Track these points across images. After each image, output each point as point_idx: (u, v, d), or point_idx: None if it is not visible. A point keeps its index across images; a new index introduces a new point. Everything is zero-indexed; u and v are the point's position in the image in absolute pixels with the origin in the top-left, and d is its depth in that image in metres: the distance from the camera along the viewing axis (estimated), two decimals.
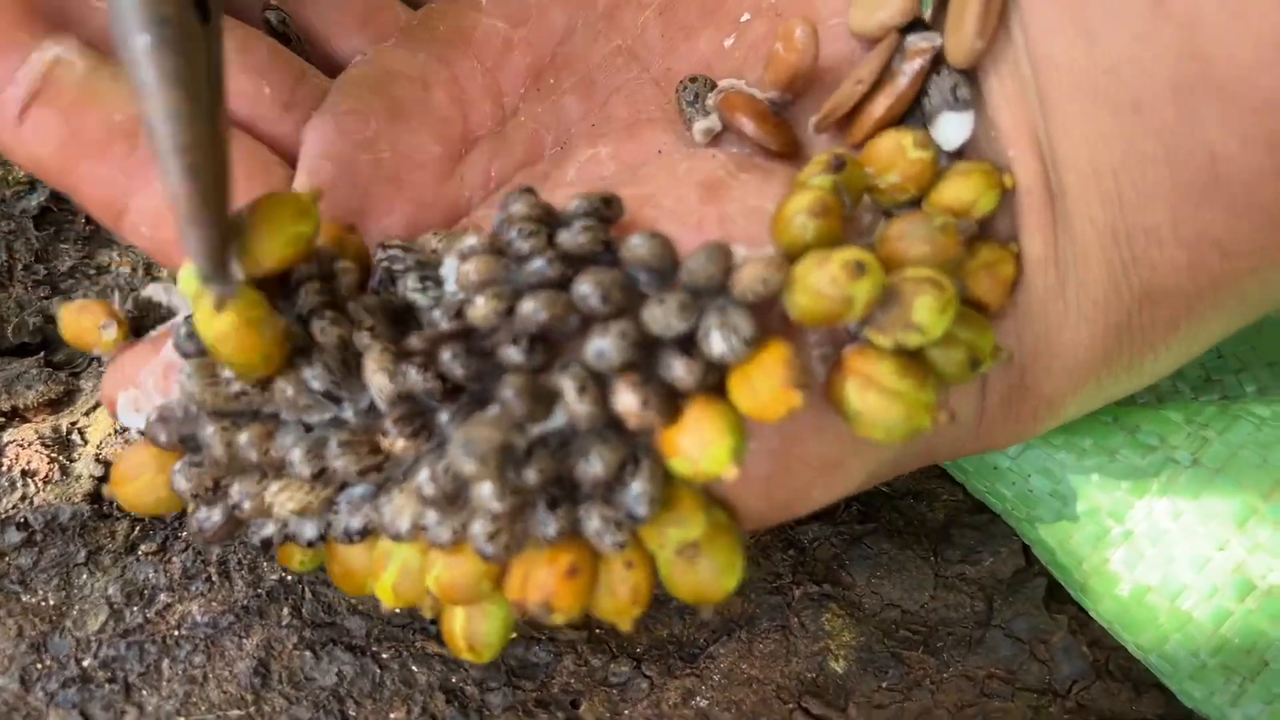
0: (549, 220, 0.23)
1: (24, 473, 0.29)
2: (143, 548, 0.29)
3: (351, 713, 0.27)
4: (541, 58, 0.32)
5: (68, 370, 0.33)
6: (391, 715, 0.27)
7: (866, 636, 0.29)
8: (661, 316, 0.21)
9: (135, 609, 0.28)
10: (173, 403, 0.23)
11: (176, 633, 0.28)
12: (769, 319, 0.22)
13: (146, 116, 0.22)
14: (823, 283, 0.21)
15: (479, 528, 0.21)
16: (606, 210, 0.24)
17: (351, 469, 0.22)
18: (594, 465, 0.21)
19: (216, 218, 0.22)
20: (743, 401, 0.21)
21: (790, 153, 0.26)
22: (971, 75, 0.24)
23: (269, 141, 0.30)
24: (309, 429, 0.23)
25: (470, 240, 0.23)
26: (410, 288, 0.24)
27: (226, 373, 0.23)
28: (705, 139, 0.27)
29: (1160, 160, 0.21)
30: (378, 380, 0.22)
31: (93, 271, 0.34)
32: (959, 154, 0.24)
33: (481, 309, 0.22)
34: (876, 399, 0.22)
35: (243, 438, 0.23)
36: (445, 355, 0.22)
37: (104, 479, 0.30)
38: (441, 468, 0.21)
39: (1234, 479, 0.29)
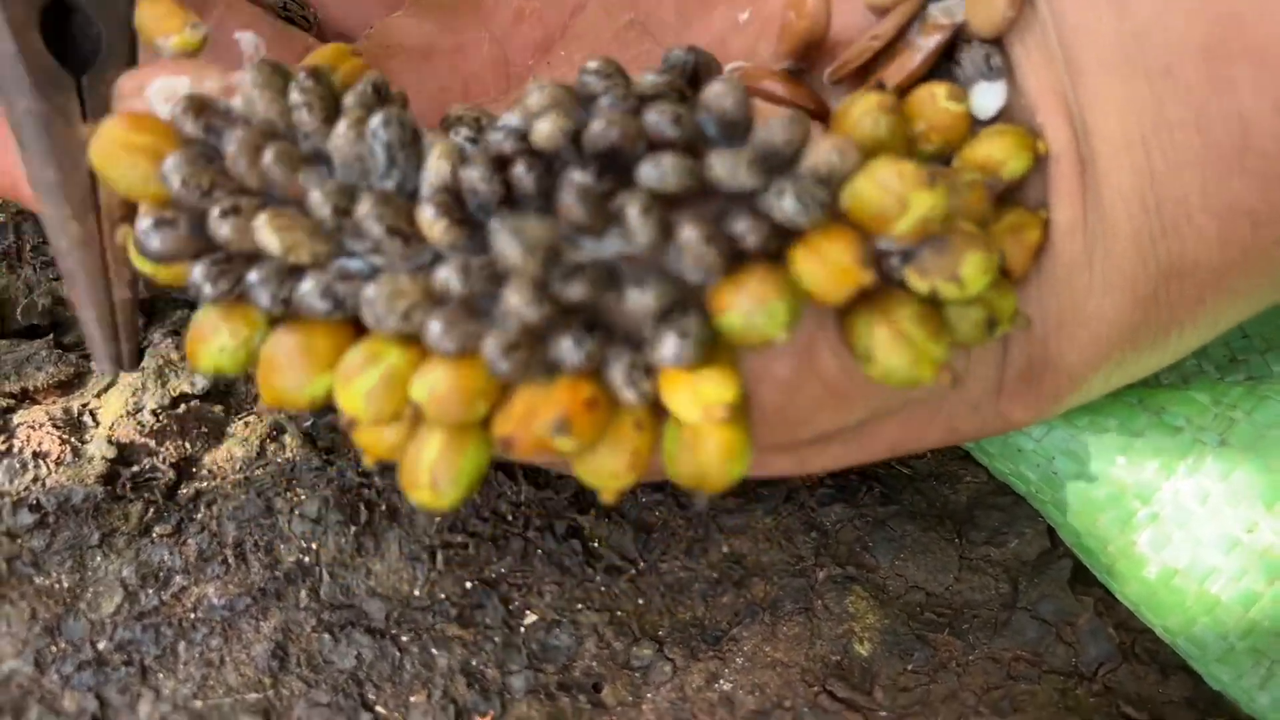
0: (623, 74, 0.22)
1: (36, 454, 0.29)
2: (157, 530, 0.28)
3: (371, 696, 0.27)
4: (553, 31, 0.32)
5: (78, 352, 0.32)
6: (411, 699, 0.27)
7: (891, 619, 0.29)
8: (731, 165, 0.20)
9: (150, 591, 0.27)
10: (216, 98, 0.22)
11: (192, 615, 0.27)
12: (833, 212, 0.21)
13: (32, 183, 0.22)
14: (890, 176, 0.20)
15: (496, 337, 0.20)
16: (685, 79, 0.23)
17: (375, 225, 0.20)
18: (645, 295, 0.20)
19: (100, 299, 0.23)
20: (808, 272, 0.20)
21: (822, 113, 0.26)
22: (999, 45, 0.24)
23: None
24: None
25: (535, 85, 0.22)
26: (497, 128, 0.22)
27: (296, 95, 0.21)
28: None
29: (1190, 126, 0.21)
30: (438, 166, 0.21)
31: None
32: (993, 123, 0.24)
33: (547, 128, 0.21)
34: (888, 337, 0.21)
35: (271, 150, 0.21)
36: (518, 166, 0.20)
37: (116, 460, 0.29)
38: (478, 262, 0.20)
39: (1262, 460, 0.29)
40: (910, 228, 0.20)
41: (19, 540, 0.28)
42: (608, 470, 0.21)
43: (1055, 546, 0.31)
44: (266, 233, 0.20)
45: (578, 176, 0.20)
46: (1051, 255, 0.24)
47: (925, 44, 0.24)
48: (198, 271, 0.21)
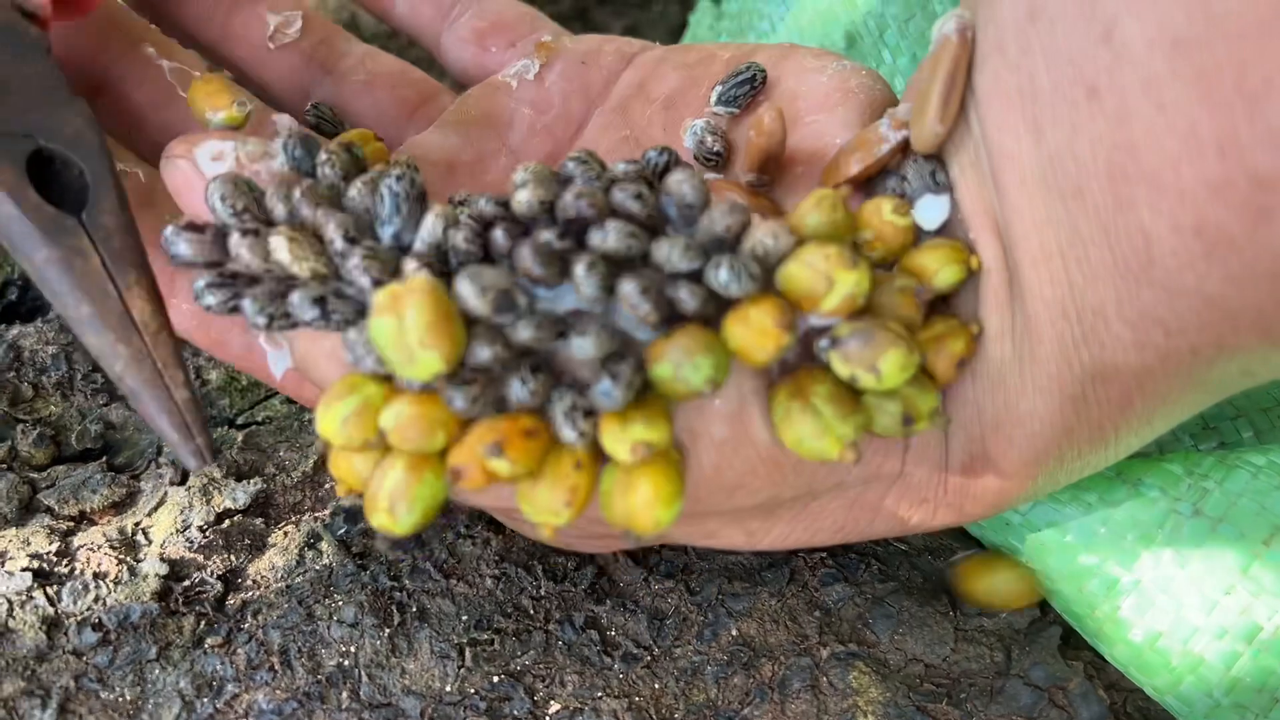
0: (599, 165, 0.26)
1: (96, 575, 0.32)
2: (209, 641, 0.31)
3: None
4: (561, 143, 0.35)
5: (129, 473, 0.35)
6: None
7: (893, 692, 0.31)
8: (668, 250, 0.23)
9: (206, 700, 0.30)
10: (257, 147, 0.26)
11: None
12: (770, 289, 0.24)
13: (72, 324, 0.25)
14: (817, 258, 0.23)
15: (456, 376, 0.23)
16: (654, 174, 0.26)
17: (362, 277, 0.23)
18: (587, 343, 0.23)
19: (166, 405, 0.25)
20: (735, 335, 0.23)
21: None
22: (943, 163, 0.26)
23: None
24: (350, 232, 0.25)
25: (526, 164, 0.25)
26: (482, 197, 0.25)
27: (323, 155, 0.26)
28: None
29: (1101, 242, 0.23)
30: (432, 225, 0.24)
31: None
32: (937, 235, 0.27)
33: (524, 197, 0.24)
34: (800, 411, 0.24)
35: (301, 187, 0.25)
36: (497, 231, 0.24)
37: (168, 576, 0.32)
38: None
39: (1235, 526, 0.30)
40: (837, 304, 0.23)
41: (84, 658, 0.30)
42: (546, 504, 0.24)
43: (1045, 614, 0.33)
44: (280, 246, 0.24)
45: (538, 236, 0.23)
46: (985, 359, 0.26)
47: (893, 136, 0.27)
48: (200, 282, 0.25)
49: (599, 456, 0.24)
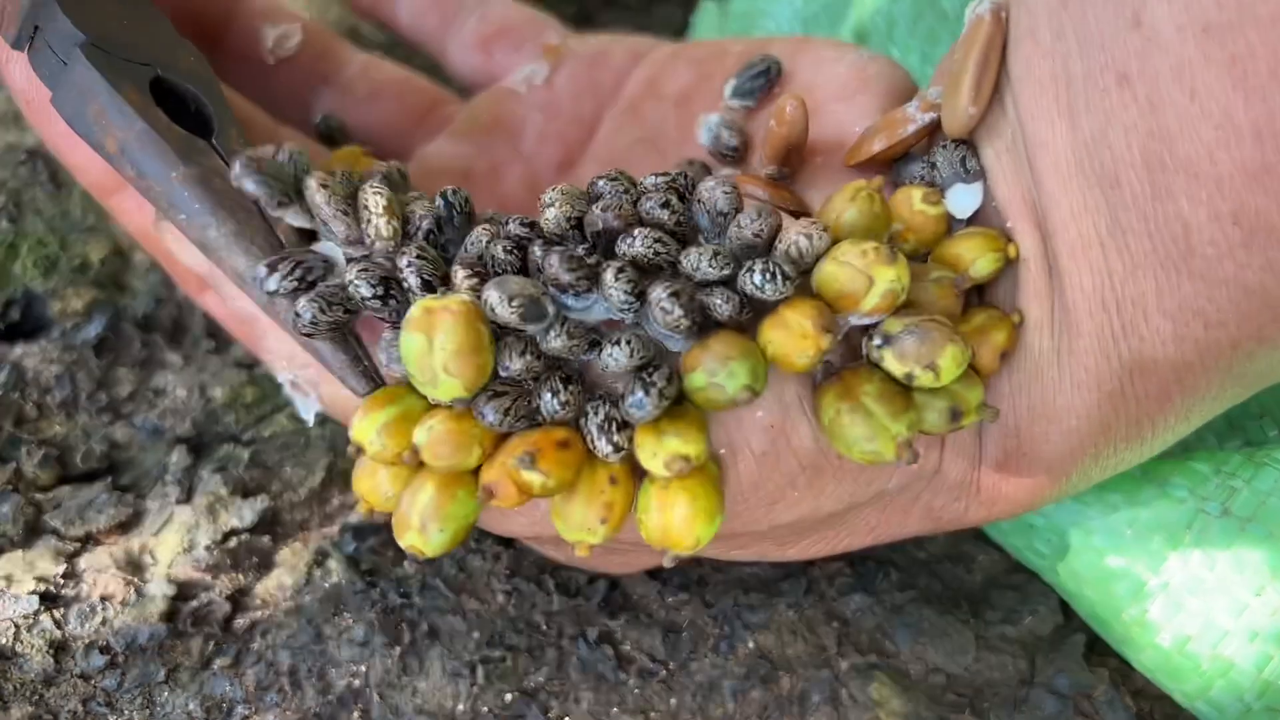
0: (631, 180, 0.25)
1: (103, 597, 0.31)
2: (218, 662, 0.30)
3: None
4: (573, 149, 0.35)
5: (134, 493, 0.34)
6: None
7: (914, 703, 0.30)
8: (696, 258, 0.23)
9: None
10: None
11: None
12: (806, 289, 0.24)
13: (207, 246, 0.23)
14: (853, 256, 0.22)
15: (485, 389, 0.22)
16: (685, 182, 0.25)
17: (414, 278, 0.23)
18: (619, 352, 0.22)
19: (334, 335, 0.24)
20: (773, 340, 0.23)
21: (802, 212, 0.28)
22: (974, 149, 0.26)
23: None
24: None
25: (557, 185, 0.25)
26: (512, 218, 0.25)
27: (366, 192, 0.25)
28: None
29: (1141, 232, 0.22)
30: (477, 235, 0.24)
31: (151, 394, 0.36)
32: (969, 223, 0.26)
33: (553, 215, 0.24)
34: (850, 412, 0.23)
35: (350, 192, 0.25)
36: (535, 245, 0.23)
37: (176, 597, 0.31)
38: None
39: (1264, 526, 0.30)
40: (878, 302, 0.23)
41: (92, 682, 0.30)
42: (581, 522, 0.23)
43: (1069, 620, 0.32)
44: (375, 199, 0.24)
45: (568, 246, 0.23)
46: (1022, 351, 0.25)
47: (921, 118, 0.26)
48: (263, 269, 0.24)
49: (635, 472, 0.23)
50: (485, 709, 0.30)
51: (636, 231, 0.23)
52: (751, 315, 0.23)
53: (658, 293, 0.22)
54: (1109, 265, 0.23)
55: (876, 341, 0.23)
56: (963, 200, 0.26)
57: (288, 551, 0.33)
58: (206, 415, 0.36)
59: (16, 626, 0.30)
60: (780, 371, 0.24)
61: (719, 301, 0.23)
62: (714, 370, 0.22)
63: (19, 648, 0.30)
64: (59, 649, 0.30)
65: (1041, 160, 0.24)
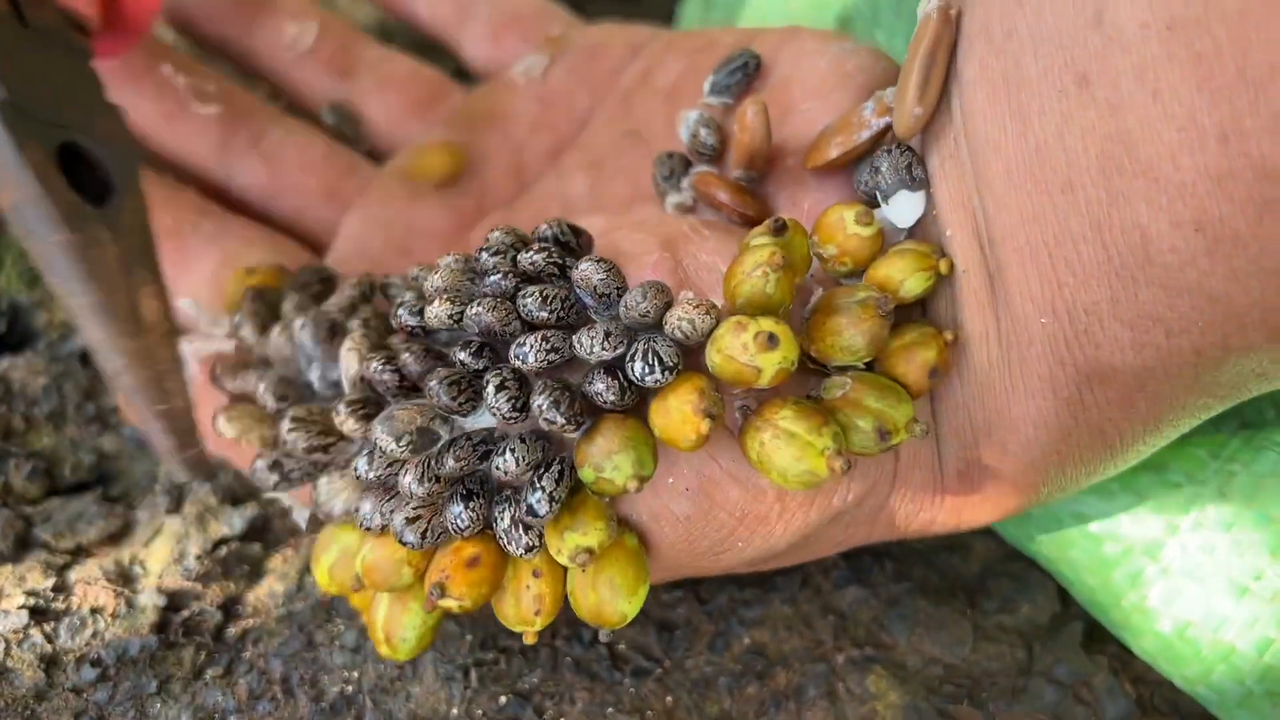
0: (520, 246, 0.25)
1: (93, 610, 0.31)
2: (209, 672, 0.30)
3: None
4: (563, 139, 0.35)
5: (124, 503, 0.34)
6: None
7: (912, 695, 0.30)
8: (588, 342, 0.23)
9: None
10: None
11: None
12: (700, 362, 0.23)
13: (73, 312, 0.24)
14: (735, 348, 0.22)
15: (400, 514, 0.23)
16: (573, 238, 0.26)
17: (300, 443, 0.25)
18: (508, 461, 0.23)
19: (164, 410, 0.24)
20: (657, 424, 0.23)
21: (763, 217, 0.27)
22: (919, 155, 0.25)
23: (313, 227, 0.35)
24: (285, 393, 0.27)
25: (446, 260, 0.26)
26: (404, 306, 0.26)
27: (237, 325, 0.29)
28: (677, 214, 0.29)
29: (1093, 240, 0.21)
30: (348, 360, 0.25)
31: None
32: (911, 232, 0.25)
33: (434, 311, 0.24)
34: (772, 439, 0.23)
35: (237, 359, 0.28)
36: (404, 353, 0.24)
37: (167, 608, 0.31)
38: (374, 451, 0.24)
39: (1262, 510, 0.29)
40: (771, 379, 0.22)
41: (84, 695, 0.30)
42: (516, 617, 0.24)
43: (1067, 609, 0.32)
44: (223, 425, 0.27)
45: (446, 368, 0.24)
46: (969, 363, 0.25)
47: (875, 123, 0.26)
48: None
49: (557, 561, 0.24)
50: (480, 712, 0.30)
51: (528, 342, 0.23)
52: (638, 399, 0.23)
53: (538, 401, 0.22)
54: (1058, 274, 0.22)
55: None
56: (905, 209, 0.25)
57: (278, 559, 0.33)
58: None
59: (7, 642, 0.30)
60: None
61: (601, 389, 0.23)
62: (600, 465, 0.23)
63: (10, 663, 0.30)
64: (50, 663, 0.30)
65: (990, 166, 0.23)
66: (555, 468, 0.23)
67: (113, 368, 0.24)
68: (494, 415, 0.23)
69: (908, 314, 0.26)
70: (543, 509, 0.23)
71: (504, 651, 0.31)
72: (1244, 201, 0.19)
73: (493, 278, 0.25)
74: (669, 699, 0.30)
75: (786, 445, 0.22)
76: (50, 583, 0.32)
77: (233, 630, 0.31)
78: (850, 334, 0.23)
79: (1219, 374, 0.23)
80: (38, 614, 0.31)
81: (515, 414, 0.23)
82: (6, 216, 0.24)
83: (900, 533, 0.28)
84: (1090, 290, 0.22)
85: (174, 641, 0.31)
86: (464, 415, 0.24)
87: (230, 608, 0.32)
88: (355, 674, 0.30)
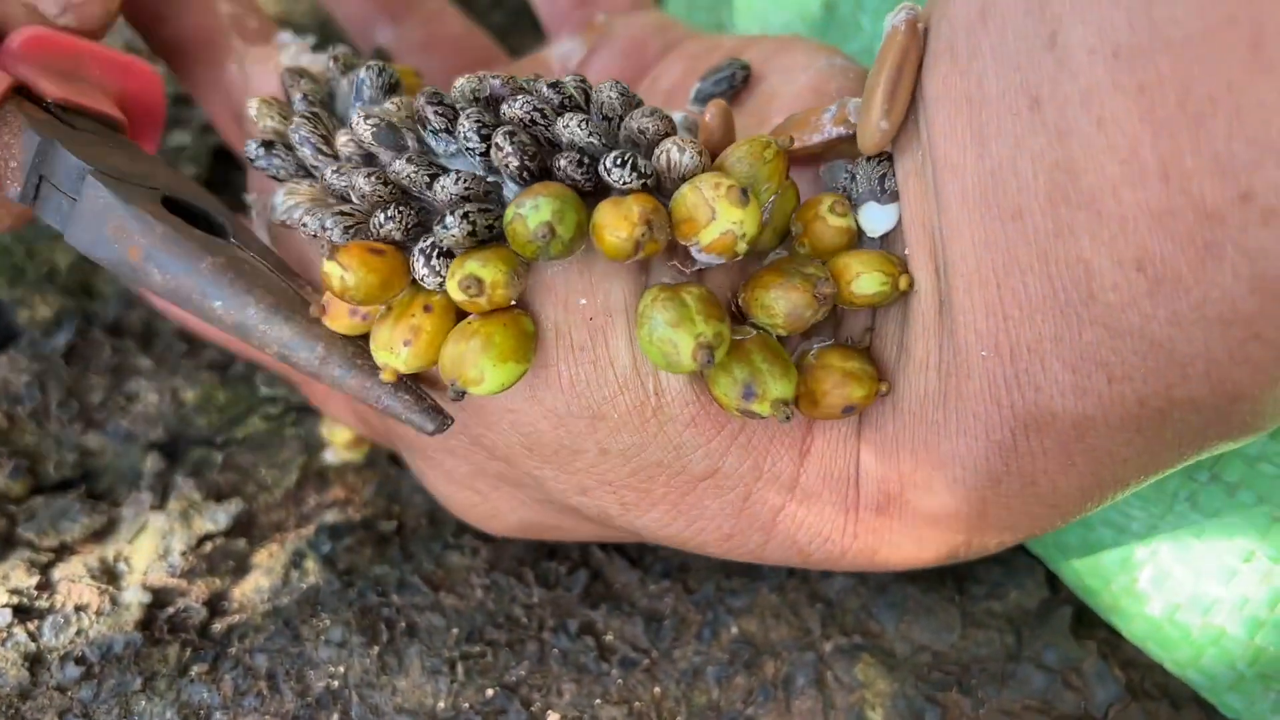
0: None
1: (77, 607, 0.31)
2: (195, 669, 0.30)
3: None
4: None
5: (108, 500, 0.34)
6: None
7: (901, 683, 0.30)
8: (568, 119, 0.23)
9: None
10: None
11: None
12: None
13: (237, 329, 0.24)
14: (706, 184, 0.22)
15: (334, 212, 0.24)
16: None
17: (301, 130, 0.26)
18: (449, 180, 0.23)
19: (390, 371, 0.24)
20: (601, 212, 0.22)
21: None
22: (893, 168, 0.24)
23: None
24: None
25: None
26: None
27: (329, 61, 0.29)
28: None
29: (1039, 272, 0.21)
30: (386, 104, 0.26)
31: (123, 400, 0.36)
32: (881, 244, 0.25)
33: (459, 83, 0.25)
34: (665, 300, 0.22)
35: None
36: (428, 109, 0.24)
37: (151, 605, 0.31)
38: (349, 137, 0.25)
39: (1253, 491, 0.29)
40: (715, 239, 0.22)
41: (68, 693, 0.29)
42: (386, 340, 0.23)
43: (1056, 593, 0.32)
44: (251, 105, 0.28)
45: (446, 101, 0.24)
46: (904, 393, 0.24)
47: (830, 130, 0.25)
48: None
49: (456, 314, 0.24)
50: (466, 705, 0.29)
51: (520, 96, 0.23)
52: (594, 189, 0.23)
53: (498, 137, 0.22)
54: (1004, 306, 0.21)
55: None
56: (876, 220, 0.24)
57: (264, 554, 0.33)
58: (179, 419, 0.36)
59: None
60: (613, 271, 0.24)
61: (564, 163, 0.23)
62: (521, 203, 0.22)
63: None
64: (34, 661, 0.30)
65: (949, 186, 0.22)
66: (486, 205, 0.23)
67: (313, 357, 0.24)
68: (457, 142, 0.24)
69: (857, 324, 0.25)
70: (455, 228, 0.22)
71: (491, 644, 0.31)
72: (1185, 242, 0.18)
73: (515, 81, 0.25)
74: (657, 689, 0.30)
75: (672, 309, 0.22)
76: (34, 581, 0.31)
77: (218, 626, 0.31)
78: (775, 295, 0.23)
79: (1162, 429, 0.22)
80: (22, 612, 0.31)
81: (478, 143, 0.23)
82: (136, 270, 0.24)
83: (805, 557, 0.27)
84: (1034, 326, 0.21)
85: (159, 638, 0.31)
86: (435, 133, 0.24)
87: (215, 604, 0.32)
88: (341, 668, 0.30)
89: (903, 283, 0.23)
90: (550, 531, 0.31)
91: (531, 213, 0.22)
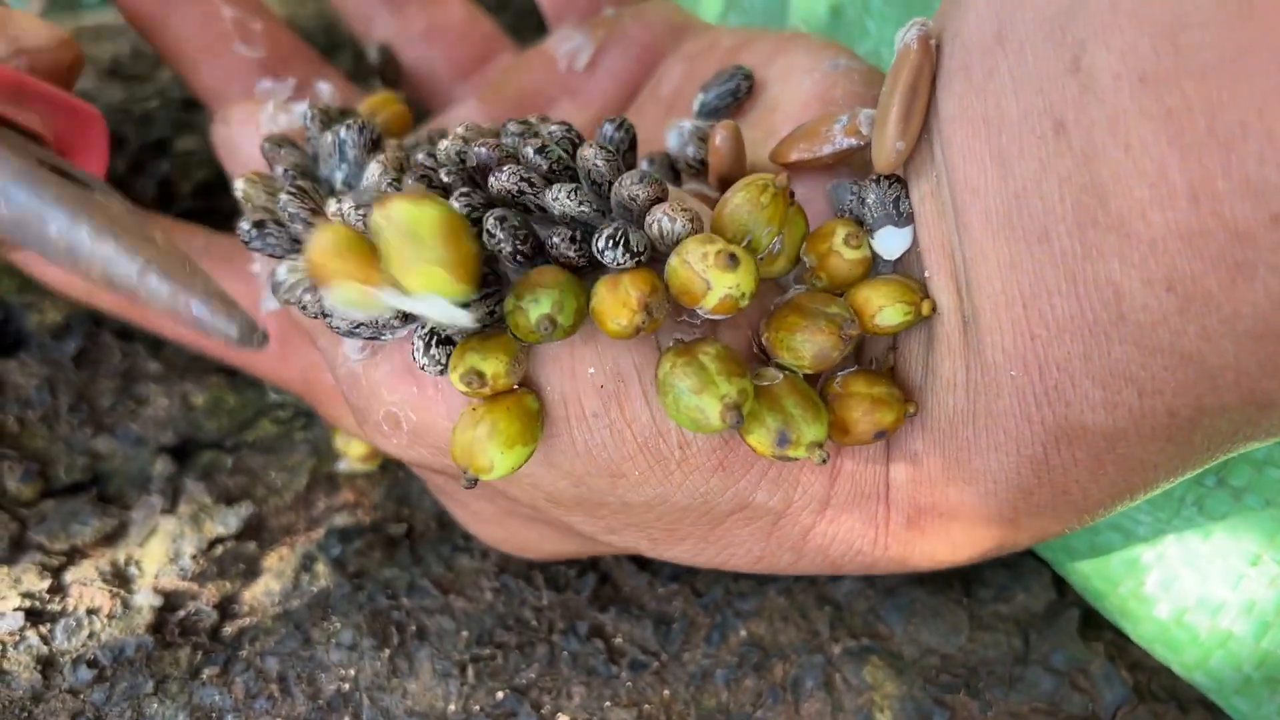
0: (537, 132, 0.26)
1: (89, 611, 0.31)
2: (206, 671, 0.30)
3: None
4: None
5: (119, 504, 0.34)
6: None
7: (909, 685, 0.30)
8: (556, 190, 0.23)
9: None
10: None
11: None
12: (662, 271, 0.23)
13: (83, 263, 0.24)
14: (695, 255, 0.22)
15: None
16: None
17: (290, 208, 0.26)
18: None
19: (200, 280, 0.24)
20: (598, 295, 0.22)
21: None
22: (907, 190, 0.24)
23: None
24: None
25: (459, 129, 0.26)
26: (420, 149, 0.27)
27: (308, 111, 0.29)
28: None
29: (1068, 293, 0.21)
30: (373, 169, 0.26)
31: (132, 404, 0.36)
32: (895, 266, 0.25)
33: (444, 145, 0.25)
34: (684, 365, 0.22)
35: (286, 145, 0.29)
36: (409, 175, 0.25)
37: (163, 608, 0.31)
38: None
39: (1260, 495, 0.29)
40: (717, 304, 0.22)
41: (81, 696, 0.30)
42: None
43: (1063, 596, 0.32)
44: (238, 185, 0.28)
45: (432, 179, 0.25)
46: (933, 412, 0.24)
47: (841, 141, 0.25)
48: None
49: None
50: (477, 708, 0.30)
51: (505, 168, 0.23)
52: (589, 265, 0.23)
53: (489, 222, 0.22)
54: (1031, 326, 0.21)
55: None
56: (891, 242, 0.24)
57: (274, 557, 0.33)
58: (189, 423, 0.36)
59: (3, 644, 0.30)
60: (624, 342, 0.24)
61: (558, 240, 0.23)
62: (521, 294, 0.22)
63: (6, 665, 0.30)
64: (47, 664, 0.30)
65: (970, 208, 0.22)
66: (485, 290, 0.23)
67: (133, 269, 0.24)
68: None
69: (879, 345, 0.25)
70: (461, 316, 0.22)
71: (501, 647, 0.31)
72: (1216, 262, 0.18)
73: (508, 137, 0.25)
74: (666, 692, 0.30)
75: (693, 375, 0.22)
76: (46, 584, 0.32)
77: (229, 629, 0.31)
78: (801, 338, 0.23)
79: (1192, 436, 0.22)
80: (34, 616, 0.31)
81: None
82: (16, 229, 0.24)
83: (836, 569, 0.27)
84: (1063, 344, 0.21)
85: (170, 641, 0.31)
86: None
87: (226, 607, 0.32)
88: (352, 671, 0.30)
89: (925, 308, 0.23)
90: (586, 553, 0.31)
91: (531, 306, 0.22)
